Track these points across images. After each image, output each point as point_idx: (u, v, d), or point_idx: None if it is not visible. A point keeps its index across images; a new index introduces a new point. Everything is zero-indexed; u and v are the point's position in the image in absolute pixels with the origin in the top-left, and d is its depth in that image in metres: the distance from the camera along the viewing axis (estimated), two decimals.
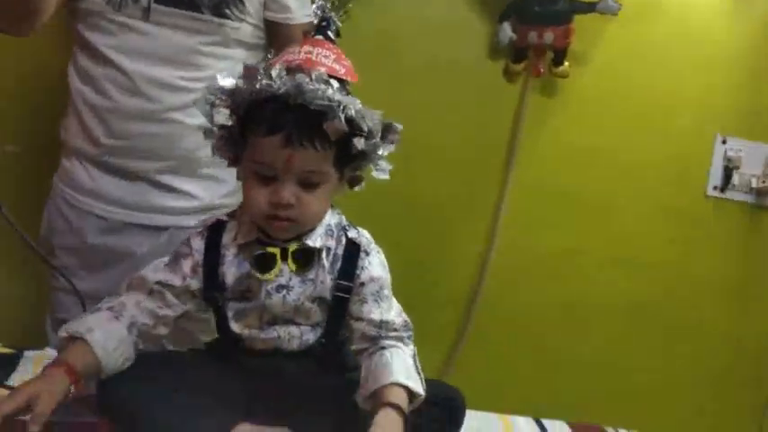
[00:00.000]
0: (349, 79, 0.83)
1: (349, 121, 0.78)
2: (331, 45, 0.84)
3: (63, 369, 0.73)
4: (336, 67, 0.81)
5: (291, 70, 0.77)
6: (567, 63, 1.64)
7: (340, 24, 0.88)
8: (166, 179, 1.16)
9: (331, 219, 0.87)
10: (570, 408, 1.48)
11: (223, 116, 0.79)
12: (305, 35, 0.97)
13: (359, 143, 0.80)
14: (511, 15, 1.63)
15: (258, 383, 0.87)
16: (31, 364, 1.00)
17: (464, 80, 1.69)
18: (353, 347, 0.87)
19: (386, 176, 0.86)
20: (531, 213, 1.75)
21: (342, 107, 0.76)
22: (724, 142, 1.75)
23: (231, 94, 0.79)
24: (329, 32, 0.85)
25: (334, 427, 0.85)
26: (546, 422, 1.17)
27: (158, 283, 0.83)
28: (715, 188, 1.77)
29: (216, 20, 1.11)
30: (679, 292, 1.79)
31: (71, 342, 0.77)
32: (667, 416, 1.76)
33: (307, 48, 0.82)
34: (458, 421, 0.94)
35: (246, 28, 1.16)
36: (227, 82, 0.78)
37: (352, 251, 0.85)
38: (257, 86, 0.76)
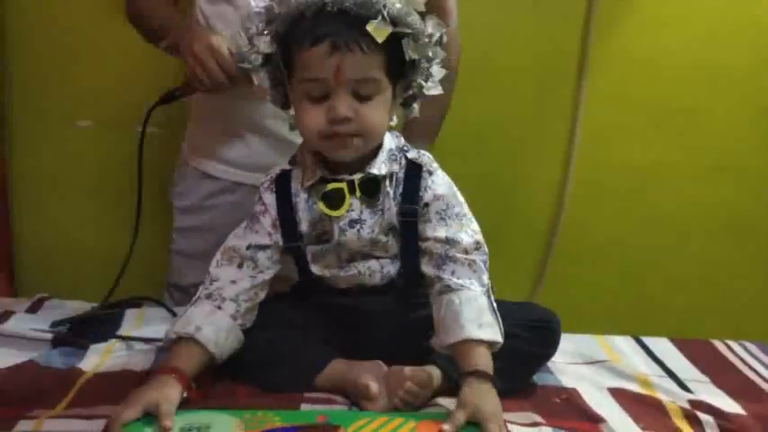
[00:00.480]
0: None
1: (393, 21, 0.74)
2: None
3: (175, 376, 0.74)
4: None
5: None
6: None
7: None
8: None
9: (391, 142, 0.84)
10: (670, 324, 1.43)
11: (265, 43, 0.77)
12: None
13: (408, 45, 0.76)
14: None
15: (345, 321, 0.88)
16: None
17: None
18: (424, 272, 0.84)
19: (438, 90, 0.82)
20: (611, 126, 1.64)
21: (384, 5, 0.73)
22: None
23: (269, 15, 0.76)
24: None
25: (421, 360, 0.84)
26: (647, 340, 1.13)
27: (249, 248, 0.83)
28: None
29: None
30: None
31: (181, 342, 0.78)
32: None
33: None
34: (554, 343, 0.93)
35: None
36: (262, 4, 0.76)
37: (414, 172, 0.82)
38: (293, 1, 0.74)
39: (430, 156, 0.86)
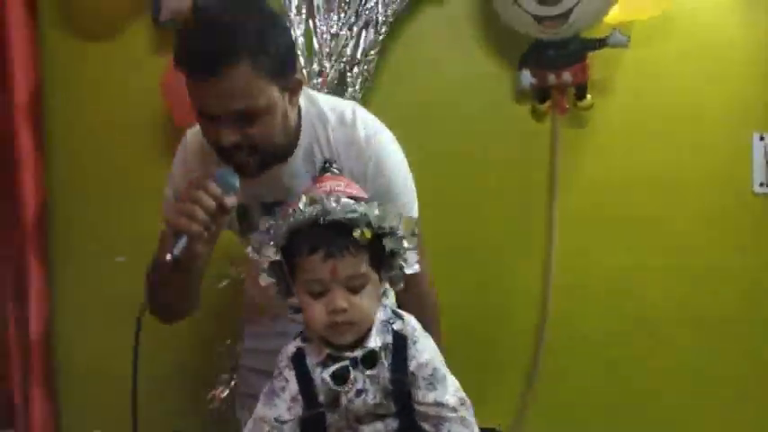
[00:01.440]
0: (362, 196, 0.96)
1: (373, 226, 0.90)
2: (337, 176, 0.99)
3: None
4: (349, 190, 0.95)
5: (315, 200, 0.92)
6: (589, 96, 1.73)
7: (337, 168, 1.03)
8: None
9: (381, 315, 0.96)
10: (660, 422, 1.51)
11: (271, 251, 0.93)
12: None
13: (388, 242, 0.92)
14: (528, 62, 1.74)
15: None
16: None
17: (496, 126, 1.80)
18: (425, 430, 0.97)
19: (416, 269, 0.98)
20: (583, 239, 1.82)
21: (364, 215, 0.89)
22: (762, 139, 1.77)
23: (271, 232, 0.93)
24: (333, 170, 1.01)
25: None
26: None
27: (275, 420, 0.95)
28: (761, 185, 1.78)
29: None
30: (749, 295, 1.80)
31: None
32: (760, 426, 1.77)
33: (319, 184, 0.97)
34: None
35: None
36: (264, 226, 0.94)
37: (400, 343, 0.94)
38: (291, 219, 0.90)
39: (414, 323, 0.99)
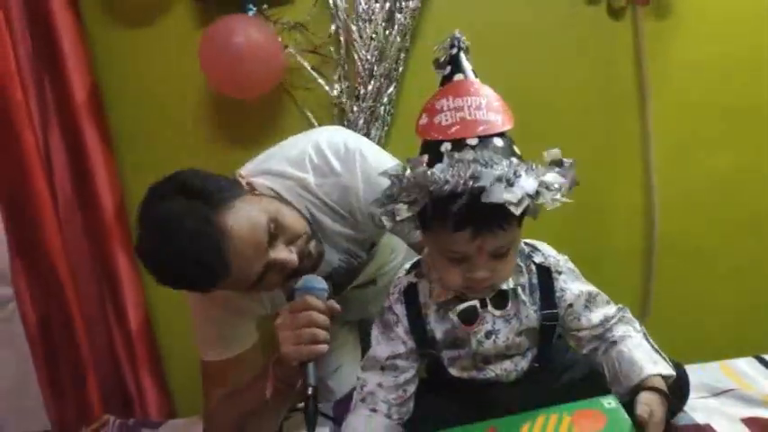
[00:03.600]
0: (507, 127, 0.79)
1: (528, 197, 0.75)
2: (475, 86, 0.80)
3: None
4: (492, 118, 0.78)
5: (456, 148, 0.75)
6: None
7: (468, 51, 0.82)
8: None
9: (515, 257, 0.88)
10: None
11: (403, 211, 0.79)
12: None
13: (531, 211, 0.80)
14: None
15: (482, 414, 0.92)
16: None
17: (571, 34, 1.63)
18: (585, 351, 0.92)
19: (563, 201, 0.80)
20: (683, 140, 1.67)
21: (522, 197, 0.74)
22: None
23: (409, 190, 0.77)
24: (464, 64, 0.80)
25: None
26: None
27: (388, 358, 0.93)
28: None
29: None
30: None
31: None
32: None
33: (454, 103, 0.78)
34: (684, 394, 0.97)
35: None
36: (406, 176, 0.79)
37: (545, 277, 0.89)
38: (433, 181, 0.74)
39: (550, 250, 0.92)
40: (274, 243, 0.98)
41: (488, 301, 0.87)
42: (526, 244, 0.92)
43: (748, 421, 0.96)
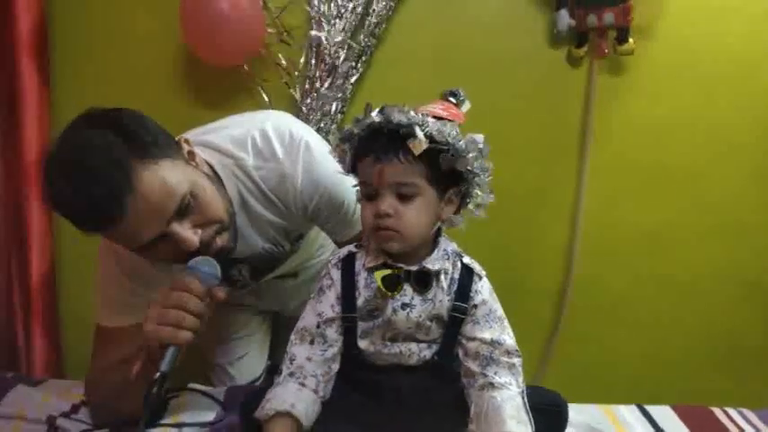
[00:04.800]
0: (451, 119, 0.90)
1: (430, 138, 0.86)
2: (445, 102, 0.93)
3: None
4: (440, 111, 0.90)
5: (383, 110, 0.89)
6: (631, 40, 1.61)
7: (464, 99, 0.95)
8: None
9: (447, 245, 0.96)
10: (675, 386, 1.49)
11: (346, 157, 0.94)
12: None
13: (444, 158, 0.87)
14: (567, 2, 1.61)
15: (380, 396, 0.96)
16: None
17: (528, 72, 1.70)
18: (464, 368, 0.94)
19: (490, 199, 0.93)
20: (615, 192, 1.75)
21: (422, 124, 0.86)
22: None
23: (345, 135, 0.93)
24: (450, 98, 0.94)
25: None
26: (650, 408, 1.20)
27: (318, 325, 0.94)
28: None
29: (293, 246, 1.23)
30: None
31: (277, 418, 0.88)
32: None
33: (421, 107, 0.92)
34: (562, 424, 1.01)
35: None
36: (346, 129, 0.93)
37: (467, 275, 0.94)
38: (356, 125, 0.91)
39: (479, 266, 0.97)
40: (183, 218, 0.94)
41: (412, 277, 0.92)
42: (461, 251, 0.97)
43: None
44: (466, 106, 0.96)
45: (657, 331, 1.78)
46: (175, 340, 0.90)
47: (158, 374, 0.88)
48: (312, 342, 0.94)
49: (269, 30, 1.59)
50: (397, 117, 0.86)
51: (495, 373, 0.92)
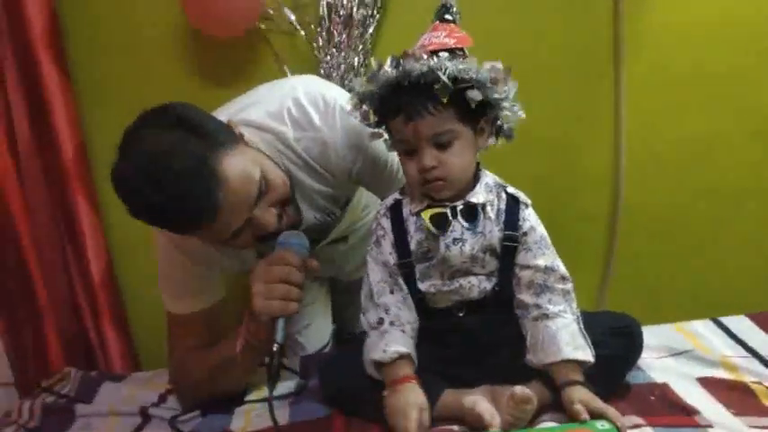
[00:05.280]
0: (460, 46, 0.91)
1: (454, 79, 0.86)
2: (444, 24, 0.93)
3: (414, 382, 0.91)
4: (446, 41, 0.90)
5: (401, 57, 0.89)
6: None
7: (458, 14, 0.95)
8: None
9: (487, 178, 0.97)
10: (745, 297, 1.47)
11: (369, 115, 0.96)
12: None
13: (472, 94, 0.87)
14: None
15: (448, 340, 0.98)
16: None
17: None
18: (518, 300, 0.96)
19: (521, 115, 0.94)
20: (655, 104, 1.67)
21: (442, 69, 0.85)
22: None
23: (360, 96, 0.94)
24: (446, 16, 0.94)
25: (518, 373, 0.94)
26: (725, 320, 1.19)
27: (389, 275, 0.96)
28: None
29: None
30: None
31: (397, 361, 0.92)
32: None
33: (423, 36, 0.93)
34: (638, 345, 1.02)
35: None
36: (359, 87, 0.94)
37: (513, 204, 0.95)
38: (374, 82, 0.92)
39: (524, 195, 0.98)
40: (259, 201, 0.95)
41: (458, 212, 0.93)
42: (504, 182, 0.98)
43: (703, 381, 1.00)
44: (458, 18, 0.95)
45: (715, 242, 1.74)
46: (286, 311, 0.95)
47: (276, 346, 0.93)
48: (392, 291, 0.96)
49: None
50: (416, 68, 0.86)
51: (549, 301, 0.93)
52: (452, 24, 0.94)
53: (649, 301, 1.70)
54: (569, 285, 0.95)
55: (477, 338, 0.97)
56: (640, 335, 1.01)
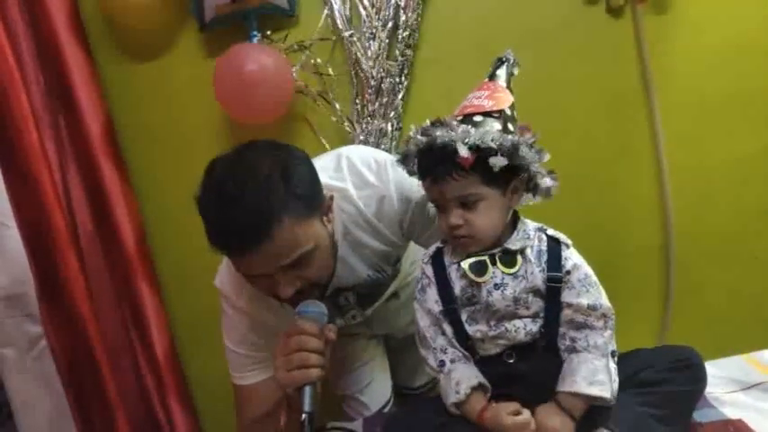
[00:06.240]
0: (497, 108, 0.94)
1: (476, 149, 0.89)
2: (491, 83, 0.97)
3: (492, 407, 0.93)
4: (484, 102, 0.94)
5: (434, 124, 0.94)
6: None
7: (515, 61, 0.99)
8: None
9: (527, 226, 0.99)
10: None
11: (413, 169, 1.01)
12: None
13: (495, 161, 0.90)
14: None
15: (500, 387, 0.97)
16: None
17: (571, 35, 1.64)
18: (560, 333, 0.96)
19: (551, 182, 0.96)
20: (693, 129, 1.66)
21: (464, 139, 0.89)
22: None
23: (403, 157, 1.01)
24: (498, 71, 0.99)
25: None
26: None
27: (437, 320, 0.98)
28: None
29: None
30: None
31: (473, 393, 0.94)
32: None
33: (468, 95, 0.97)
34: (701, 377, 0.99)
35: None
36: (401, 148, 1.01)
37: (554, 245, 0.97)
38: (404, 148, 1.00)
39: (563, 235, 0.99)
40: (289, 270, 0.98)
41: (497, 259, 0.95)
42: (543, 225, 1.00)
43: None
44: (516, 69, 0.99)
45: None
46: (307, 379, 0.96)
47: (304, 416, 0.94)
48: (443, 333, 0.98)
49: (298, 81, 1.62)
50: (439, 136, 0.91)
51: (586, 337, 0.94)
52: (497, 83, 0.97)
53: (715, 332, 1.62)
54: (610, 323, 0.95)
55: (529, 383, 0.96)
56: (702, 366, 0.98)
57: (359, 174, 1.12)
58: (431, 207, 1.12)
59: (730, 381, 1.07)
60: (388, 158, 1.14)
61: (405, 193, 1.12)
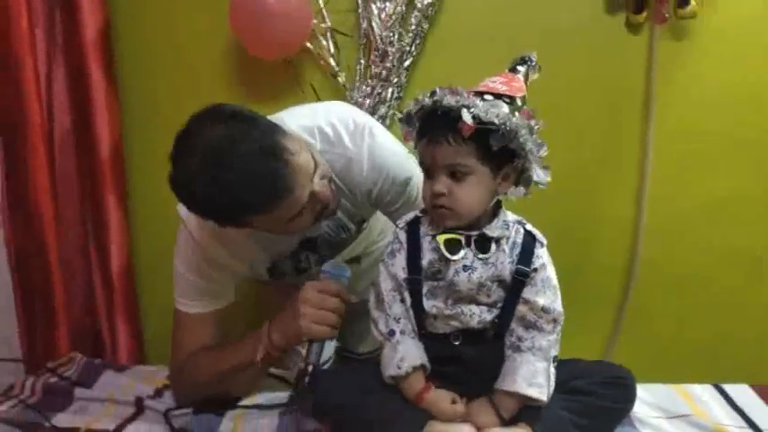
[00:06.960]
0: (510, 94, 0.93)
1: (479, 120, 0.88)
2: (510, 74, 0.97)
3: (431, 389, 0.96)
4: (499, 86, 0.93)
5: (434, 92, 0.93)
6: (693, 2, 1.53)
7: (537, 65, 0.99)
8: None
9: (507, 216, 0.99)
10: (752, 366, 1.44)
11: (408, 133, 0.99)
12: None
13: (494, 138, 0.89)
14: None
15: (444, 369, 0.99)
16: None
17: (586, 41, 1.64)
18: (510, 328, 0.97)
19: (545, 176, 0.94)
20: (680, 161, 1.68)
21: (470, 106, 0.88)
22: None
23: (405, 117, 0.98)
24: (518, 67, 0.98)
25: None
26: (727, 387, 1.17)
27: (400, 285, 0.99)
28: None
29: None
30: None
31: (414, 372, 0.95)
32: None
33: (485, 80, 0.96)
34: (630, 398, 1.02)
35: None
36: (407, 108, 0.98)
37: (530, 240, 0.97)
38: (410, 107, 0.96)
39: (540, 233, 1.00)
40: (313, 175, 1.00)
41: (472, 242, 0.95)
42: (523, 220, 1.01)
43: None
44: (535, 73, 0.99)
45: (732, 307, 1.72)
46: (327, 335, 1.04)
47: (311, 366, 1.02)
48: (402, 300, 0.99)
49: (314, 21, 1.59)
50: (447, 99, 0.89)
51: (532, 338, 0.95)
52: (517, 75, 0.97)
53: (655, 359, 1.67)
54: (558, 328, 0.96)
55: (470, 368, 0.98)
56: (634, 388, 1.01)
57: (334, 131, 1.11)
58: (405, 182, 1.13)
59: (658, 407, 1.10)
60: (371, 124, 1.12)
61: (377, 161, 1.11)
